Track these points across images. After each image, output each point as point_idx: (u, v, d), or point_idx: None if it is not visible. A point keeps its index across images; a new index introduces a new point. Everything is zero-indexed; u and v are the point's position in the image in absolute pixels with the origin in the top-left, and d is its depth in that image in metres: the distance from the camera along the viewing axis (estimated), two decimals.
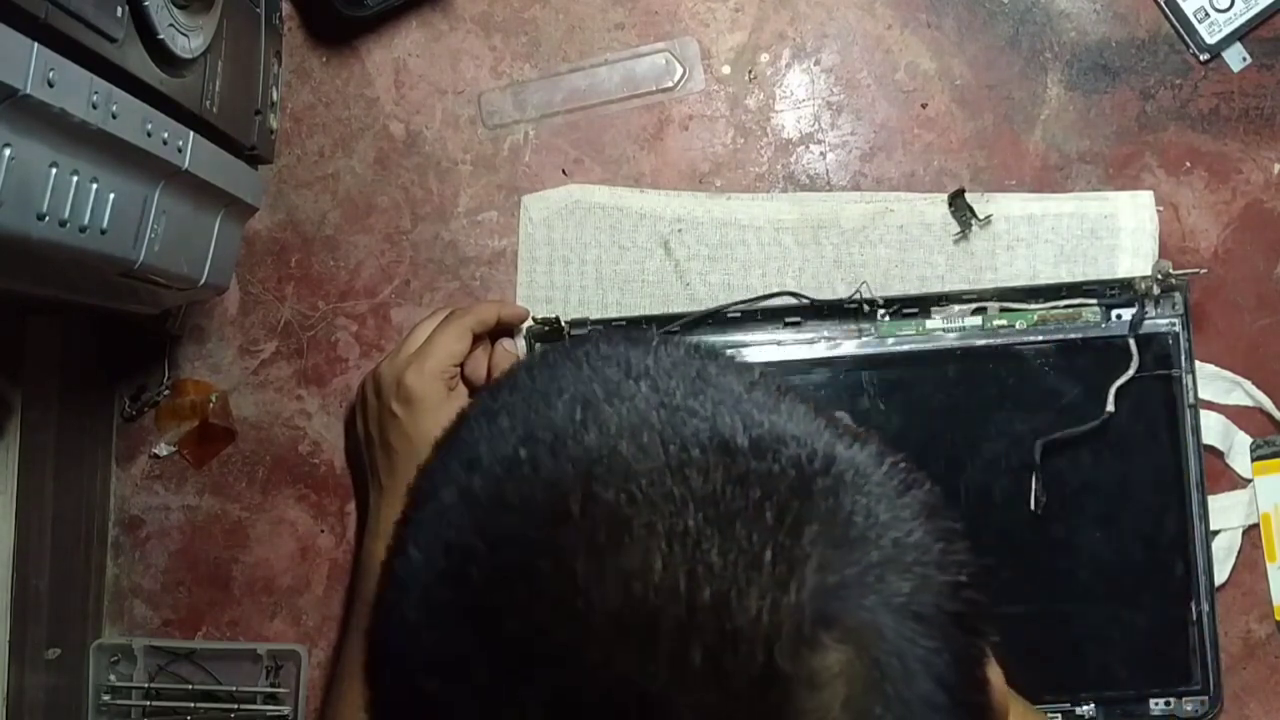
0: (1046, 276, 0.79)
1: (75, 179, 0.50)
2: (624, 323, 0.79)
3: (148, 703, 0.81)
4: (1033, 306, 0.78)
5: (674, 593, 0.32)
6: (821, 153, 0.81)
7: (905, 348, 0.78)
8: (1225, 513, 0.78)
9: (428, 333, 0.76)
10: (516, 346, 0.79)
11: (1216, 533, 0.78)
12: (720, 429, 0.35)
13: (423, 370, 0.73)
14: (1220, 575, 0.78)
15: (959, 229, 0.79)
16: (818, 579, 0.32)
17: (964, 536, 0.37)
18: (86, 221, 0.52)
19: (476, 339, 0.76)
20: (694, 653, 0.31)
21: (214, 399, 0.82)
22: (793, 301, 0.79)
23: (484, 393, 0.41)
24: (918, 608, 0.34)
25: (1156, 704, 0.77)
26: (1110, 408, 0.76)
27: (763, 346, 0.79)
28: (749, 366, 0.40)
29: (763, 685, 0.31)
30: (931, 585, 0.34)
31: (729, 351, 0.40)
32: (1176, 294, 0.77)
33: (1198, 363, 0.78)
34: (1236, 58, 0.80)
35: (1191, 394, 0.77)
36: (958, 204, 0.79)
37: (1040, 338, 0.78)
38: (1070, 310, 0.78)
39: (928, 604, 0.34)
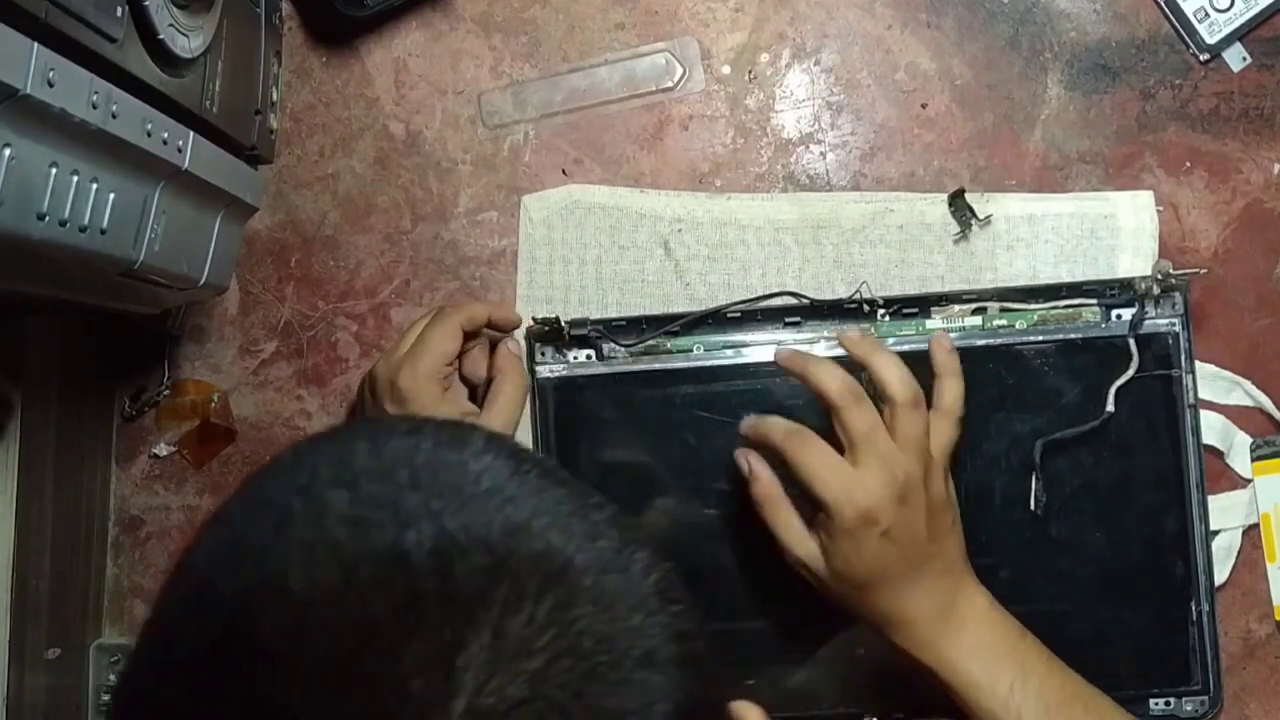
0: (1046, 276, 0.79)
1: (75, 179, 0.50)
2: (623, 323, 0.79)
3: None
4: (1033, 306, 0.78)
5: None
6: (821, 153, 0.81)
7: (905, 348, 0.78)
8: (1225, 513, 0.78)
9: (420, 332, 0.76)
10: (520, 348, 0.79)
11: (1216, 533, 0.78)
12: (403, 542, 0.33)
13: (415, 371, 0.73)
14: (1220, 575, 0.78)
15: (959, 229, 0.79)
16: (468, 702, 0.31)
17: (699, 638, 0.36)
18: (86, 221, 0.52)
19: (470, 337, 0.76)
20: None
21: (214, 399, 0.82)
22: (793, 301, 0.79)
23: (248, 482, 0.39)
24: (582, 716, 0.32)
25: (1156, 704, 0.77)
26: (1110, 408, 0.76)
27: (763, 346, 0.79)
28: (486, 449, 0.37)
29: None
30: (608, 690, 0.33)
31: (473, 426, 0.39)
32: (1176, 294, 0.77)
33: (1198, 363, 0.78)
34: (1236, 58, 0.80)
35: (1191, 394, 0.77)
36: (958, 204, 0.79)
37: (1040, 338, 0.78)
38: (1070, 310, 0.78)
39: (603, 711, 0.32)
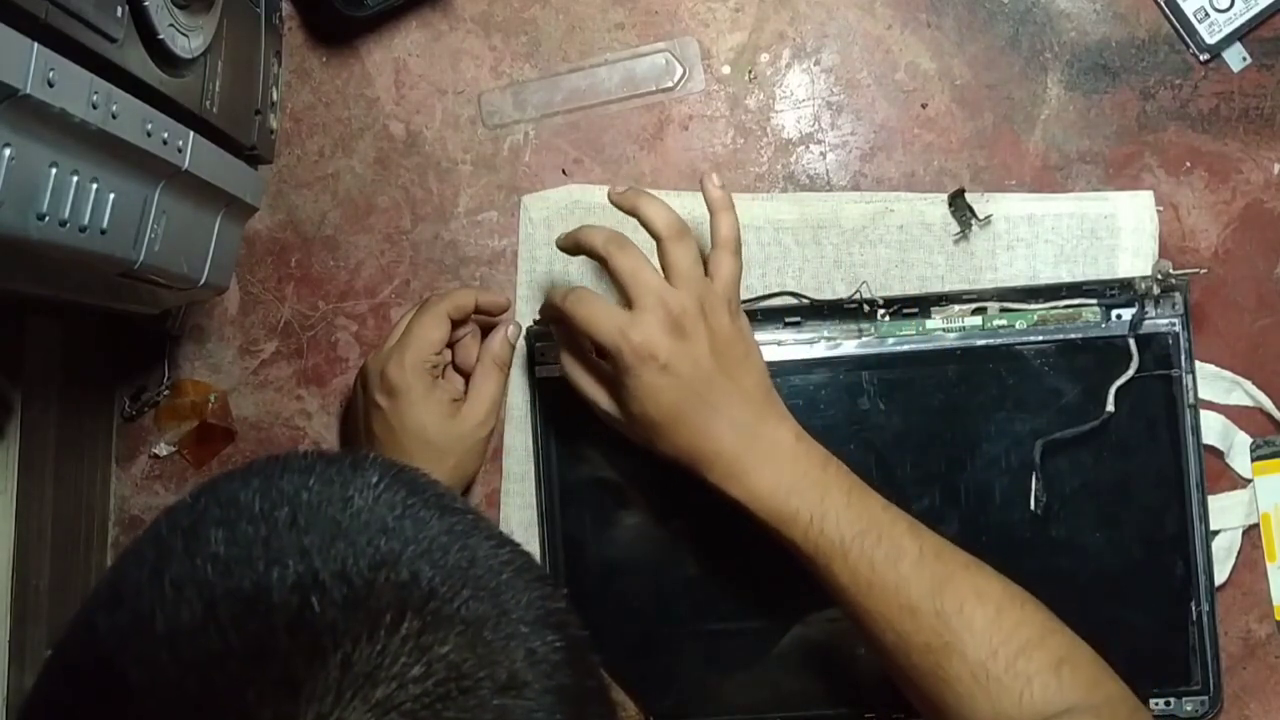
0: (1046, 276, 0.79)
1: (75, 179, 0.50)
2: None
3: None
4: (1033, 306, 0.78)
5: None
6: (821, 153, 0.81)
7: (905, 348, 0.78)
8: (1225, 513, 0.78)
9: (406, 322, 0.76)
10: (515, 336, 0.79)
11: (1216, 533, 0.78)
12: (266, 580, 0.35)
13: (403, 361, 0.73)
14: (1220, 575, 0.78)
15: (959, 229, 0.79)
16: None
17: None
18: (86, 221, 0.52)
19: (458, 324, 0.76)
20: None
21: (214, 399, 0.82)
22: (793, 301, 0.79)
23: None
24: None
25: (1156, 704, 0.77)
26: (1110, 408, 0.76)
27: (763, 346, 0.79)
28: (379, 484, 0.39)
29: None
30: (460, 716, 0.34)
31: (374, 459, 0.40)
32: (1176, 294, 0.77)
33: (1198, 363, 0.78)
34: (1236, 58, 0.80)
35: (1191, 394, 0.77)
36: (958, 204, 0.79)
37: (1040, 338, 0.78)
38: (1070, 310, 0.78)
39: None
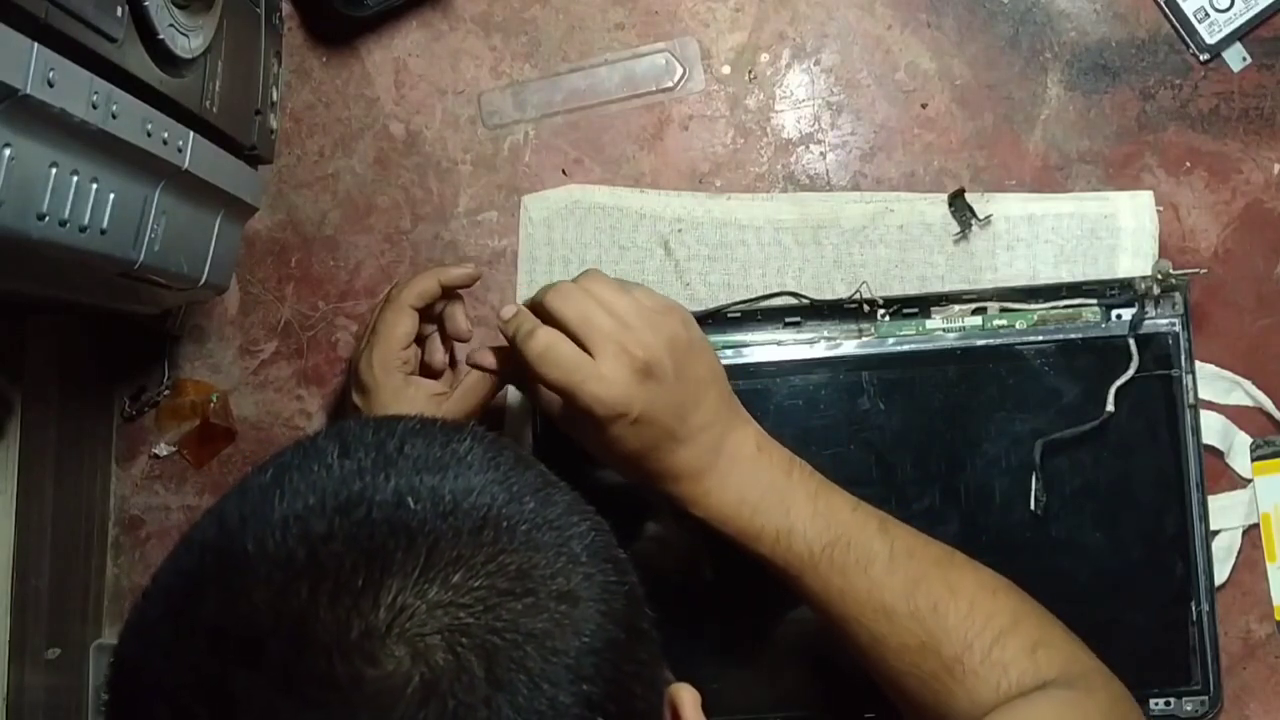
0: (1046, 276, 0.79)
1: (75, 179, 0.50)
2: None
3: None
4: (1033, 306, 0.78)
5: (268, 611, 0.39)
6: (821, 153, 0.81)
7: (905, 348, 0.78)
8: (1225, 513, 0.78)
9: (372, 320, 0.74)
10: (465, 323, 0.76)
11: (1216, 533, 0.78)
12: (369, 485, 0.42)
13: (371, 362, 0.72)
14: (1220, 575, 0.78)
15: (959, 229, 0.80)
16: (395, 596, 0.39)
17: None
18: (86, 221, 0.52)
19: (428, 311, 0.74)
20: (273, 656, 0.38)
21: (214, 399, 0.82)
22: (793, 301, 0.80)
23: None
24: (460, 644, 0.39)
25: (1156, 704, 0.77)
26: (1110, 408, 0.76)
27: (763, 346, 0.79)
28: (471, 437, 0.45)
29: (326, 685, 0.38)
30: (522, 610, 0.40)
31: (468, 424, 0.47)
32: (1176, 294, 0.77)
33: (1198, 363, 0.78)
34: (1236, 58, 0.80)
35: (1191, 394, 0.77)
36: (958, 204, 0.79)
37: (1040, 338, 0.78)
38: (1070, 310, 0.78)
39: (513, 625, 0.39)
